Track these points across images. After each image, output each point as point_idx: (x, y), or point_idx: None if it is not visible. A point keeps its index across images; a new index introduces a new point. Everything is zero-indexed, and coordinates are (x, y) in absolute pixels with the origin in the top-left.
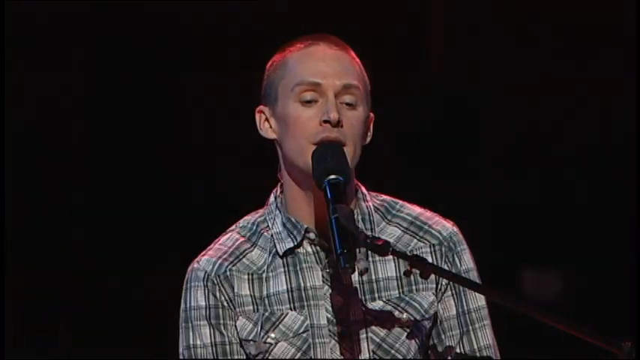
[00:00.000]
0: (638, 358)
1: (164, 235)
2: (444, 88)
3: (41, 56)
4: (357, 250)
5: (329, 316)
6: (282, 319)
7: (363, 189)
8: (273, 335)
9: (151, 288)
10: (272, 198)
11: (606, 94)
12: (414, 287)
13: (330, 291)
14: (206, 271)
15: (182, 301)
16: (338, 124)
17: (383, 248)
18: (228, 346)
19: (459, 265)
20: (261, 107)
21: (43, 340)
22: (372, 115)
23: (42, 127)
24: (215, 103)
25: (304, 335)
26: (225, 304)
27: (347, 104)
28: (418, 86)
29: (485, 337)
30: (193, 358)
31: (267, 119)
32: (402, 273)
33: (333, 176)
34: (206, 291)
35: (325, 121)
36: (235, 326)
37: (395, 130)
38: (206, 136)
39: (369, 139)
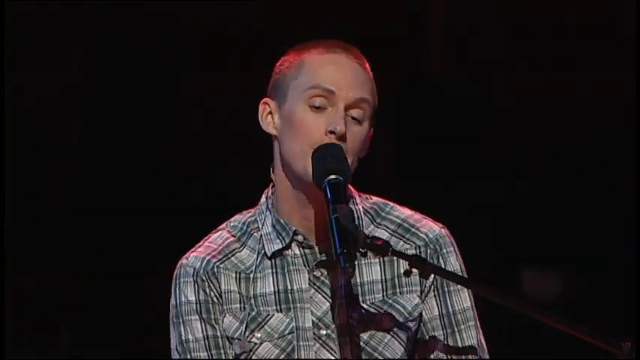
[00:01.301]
0: (638, 358)
1: (164, 235)
2: (444, 88)
3: (41, 56)
4: (357, 250)
5: (314, 319)
6: (268, 320)
7: (353, 191)
8: (258, 335)
9: (151, 288)
10: (263, 198)
11: (606, 94)
12: (397, 290)
13: (316, 294)
14: (195, 268)
15: (172, 297)
16: (342, 138)
17: (383, 248)
18: (220, 340)
19: (443, 267)
20: (267, 99)
21: (43, 340)
22: (372, 130)
23: (42, 127)
24: (215, 103)
25: (289, 337)
26: (215, 299)
27: (354, 118)
28: (418, 86)
29: (470, 338)
30: (187, 353)
31: (270, 113)
32: (387, 276)
33: (333, 176)
34: (196, 287)
35: (331, 132)
36: (223, 323)
37: (395, 130)
38: (206, 136)
39: (365, 152)
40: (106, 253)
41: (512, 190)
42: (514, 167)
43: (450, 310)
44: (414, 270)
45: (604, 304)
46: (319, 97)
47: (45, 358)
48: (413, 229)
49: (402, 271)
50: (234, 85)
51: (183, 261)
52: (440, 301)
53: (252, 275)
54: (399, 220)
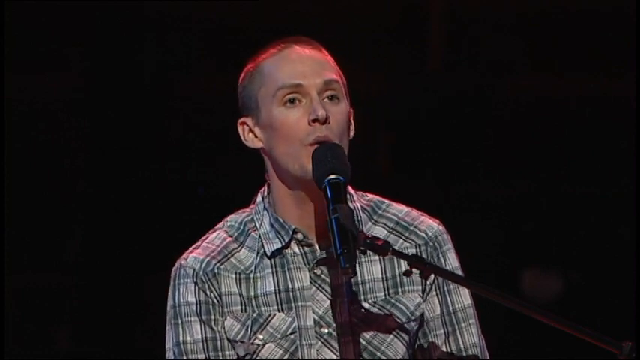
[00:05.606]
0: (638, 358)
1: (164, 235)
2: (444, 87)
3: (41, 56)
4: (358, 250)
5: (315, 317)
6: (270, 320)
7: (350, 189)
8: (260, 337)
9: (151, 288)
10: (259, 198)
11: (606, 94)
12: (399, 289)
13: (317, 292)
14: (194, 269)
15: (170, 298)
16: (326, 121)
17: (383, 248)
18: (219, 342)
19: (443, 264)
20: (242, 119)
21: (43, 340)
22: (351, 110)
23: (42, 127)
24: (215, 103)
25: (291, 337)
26: (215, 301)
27: (330, 99)
28: (418, 85)
29: (471, 337)
30: (184, 354)
31: (250, 130)
32: (387, 274)
33: (333, 176)
34: (196, 288)
35: (314, 120)
36: (224, 325)
37: (395, 130)
38: (206, 136)
39: (352, 134)
40: (106, 253)
41: (512, 190)
42: (514, 167)
43: (451, 308)
44: (414, 269)
45: (604, 304)
46: (290, 94)
47: (45, 358)
48: (412, 228)
49: (402, 269)
50: (234, 85)
51: (182, 262)
52: (441, 299)
53: (252, 275)
54: (396, 218)
